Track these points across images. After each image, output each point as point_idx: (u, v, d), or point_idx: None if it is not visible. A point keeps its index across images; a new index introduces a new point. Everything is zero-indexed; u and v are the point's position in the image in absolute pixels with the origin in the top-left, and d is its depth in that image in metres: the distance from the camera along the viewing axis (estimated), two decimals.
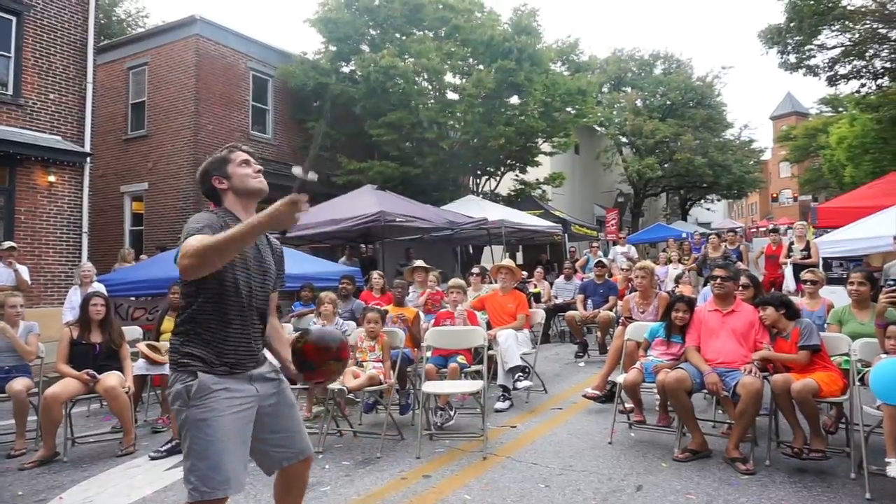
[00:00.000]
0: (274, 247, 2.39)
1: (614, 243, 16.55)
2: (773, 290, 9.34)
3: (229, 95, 15.40)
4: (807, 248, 9.20)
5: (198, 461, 1.99)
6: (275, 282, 2.33)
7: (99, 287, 7.11)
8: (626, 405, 4.91)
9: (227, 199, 2.25)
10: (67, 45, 11.02)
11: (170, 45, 15.14)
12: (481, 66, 16.51)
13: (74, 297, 7.36)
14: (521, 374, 5.68)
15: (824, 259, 9.58)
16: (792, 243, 9.55)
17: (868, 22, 16.55)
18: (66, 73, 10.96)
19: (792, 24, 16.95)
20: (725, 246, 10.38)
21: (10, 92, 10.30)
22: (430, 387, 4.81)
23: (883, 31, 16.57)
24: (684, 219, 35.08)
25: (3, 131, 9.88)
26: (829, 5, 16.03)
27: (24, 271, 8.03)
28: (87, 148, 11.09)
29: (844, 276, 9.50)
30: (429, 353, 5.18)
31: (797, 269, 8.64)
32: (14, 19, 10.35)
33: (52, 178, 10.49)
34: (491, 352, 5.62)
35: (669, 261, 11.45)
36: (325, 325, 5.85)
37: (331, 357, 2.25)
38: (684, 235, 19.77)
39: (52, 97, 10.75)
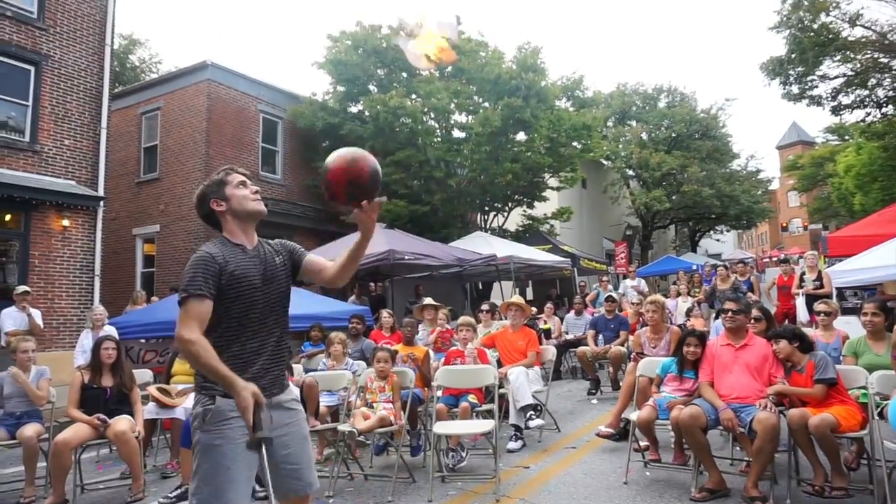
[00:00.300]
0: (275, 246, 2.39)
1: (624, 277, 16.48)
2: (786, 321, 9.23)
3: (240, 137, 15.68)
4: (819, 277, 9.11)
5: (203, 485, 2.03)
6: (284, 273, 2.31)
7: (110, 330, 7.14)
8: (641, 443, 4.82)
9: (226, 221, 2.27)
10: (83, 92, 11.32)
11: (182, 90, 15.51)
12: (487, 104, 16.75)
13: (86, 340, 7.39)
14: (533, 412, 5.62)
15: (838, 289, 9.47)
16: (803, 273, 9.47)
17: (869, 52, 16.72)
18: (81, 119, 11.24)
19: (793, 56, 17.15)
20: (736, 277, 10.31)
21: (28, 139, 10.55)
22: (441, 427, 4.75)
23: (884, 60, 16.72)
24: (694, 250, 34.94)
25: (20, 177, 10.09)
26: (830, 37, 16.23)
27: (37, 315, 8.10)
28: (101, 192, 11.30)
29: (859, 305, 9.39)
30: (439, 393, 5.14)
31: (810, 299, 8.54)
32: (32, 69, 10.68)
33: (66, 223, 10.66)
34: (502, 390, 5.56)
35: (679, 294, 11.38)
36: (336, 365, 5.84)
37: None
38: (694, 267, 19.68)
39: (67, 143, 11.00)
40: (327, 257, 8.44)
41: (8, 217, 10.38)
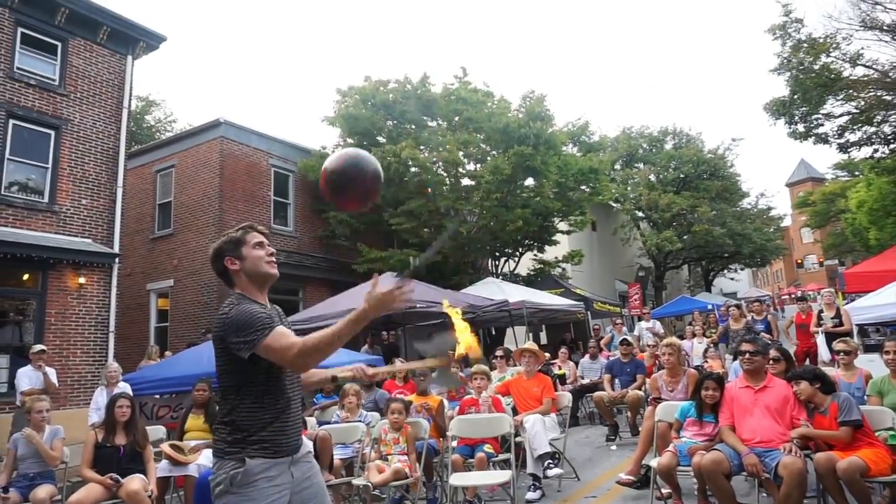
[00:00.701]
0: (280, 312, 2.37)
1: (639, 318, 16.32)
2: (807, 360, 9.05)
3: (252, 192, 15.96)
4: (837, 315, 8.95)
5: None
6: None
7: (125, 387, 7.14)
8: (663, 490, 4.69)
9: (240, 280, 2.26)
10: (100, 153, 11.65)
11: (195, 148, 15.90)
12: (495, 153, 16.99)
13: (100, 397, 7.38)
14: (550, 460, 5.49)
15: (860, 325, 9.31)
16: (821, 311, 9.32)
17: (872, 90, 16.86)
18: (98, 179, 11.53)
19: (796, 97, 17.32)
20: (752, 317, 10.15)
21: (47, 200, 10.82)
22: (457, 479, 4.66)
23: (888, 98, 16.84)
24: (708, 290, 34.61)
25: (38, 237, 10.30)
26: (832, 77, 16.41)
27: (52, 374, 8.13)
28: (116, 249, 11.48)
29: (882, 342, 9.20)
30: (454, 443, 5.05)
31: (830, 337, 8.39)
32: (52, 133, 11.04)
33: (81, 280, 10.80)
34: (518, 439, 5.47)
35: (694, 335, 11.20)
36: (350, 417, 5.77)
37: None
38: (710, 307, 19.46)
39: (84, 203, 11.26)
40: (340, 308, 8.43)
41: (26, 276, 10.56)
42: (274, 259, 2.32)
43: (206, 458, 5.52)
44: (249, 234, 2.30)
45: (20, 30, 10.85)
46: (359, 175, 2.16)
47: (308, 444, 2.30)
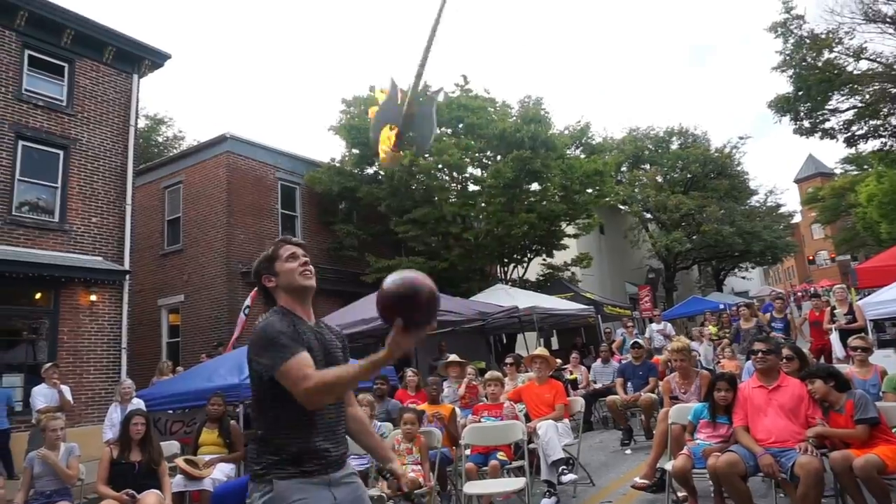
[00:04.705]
0: (334, 330, 2.33)
1: (650, 320, 16.24)
2: (821, 358, 8.95)
3: (259, 205, 16.06)
4: (850, 311, 8.86)
5: None
6: (343, 360, 2.24)
7: (139, 403, 7.19)
8: (679, 494, 4.65)
9: (280, 296, 2.21)
10: (109, 171, 11.76)
11: (203, 163, 16.03)
12: (498, 157, 17.02)
13: (115, 414, 7.42)
14: (565, 466, 5.46)
15: (874, 320, 9.21)
16: (834, 308, 9.23)
17: (877, 83, 16.78)
18: (107, 197, 11.63)
19: (800, 93, 17.26)
20: (772, 314, 10.01)
21: (57, 219, 10.93)
22: (471, 487, 4.65)
23: (893, 90, 16.75)
24: (720, 289, 34.40)
25: (49, 256, 10.40)
26: (836, 72, 16.35)
27: (67, 391, 8.19)
28: (127, 266, 11.56)
29: None
30: (468, 452, 5.04)
31: (844, 334, 8.30)
32: (61, 153, 11.16)
33: (93, 298, 10.88)
34: (532, 445, 5.44)
35: (701, 335, 11.02)
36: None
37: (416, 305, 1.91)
38: (722, 307, 19.36)
39: (94, 221, 11.36)
40: (350, 318, 8.44)
41: (38, 295, 10.65)
42: (309, 269, 2.24)
43: (220, 472, 5.54)
44: (282, 247, 2.25)
45: (27, 52, 11.00)
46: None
47: (351, 465, 2.20)
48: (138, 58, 12.54)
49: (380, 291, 1.96)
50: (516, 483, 4.71)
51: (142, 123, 23.46)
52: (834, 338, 8.95)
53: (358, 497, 2.15)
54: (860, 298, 10.12)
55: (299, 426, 2.01)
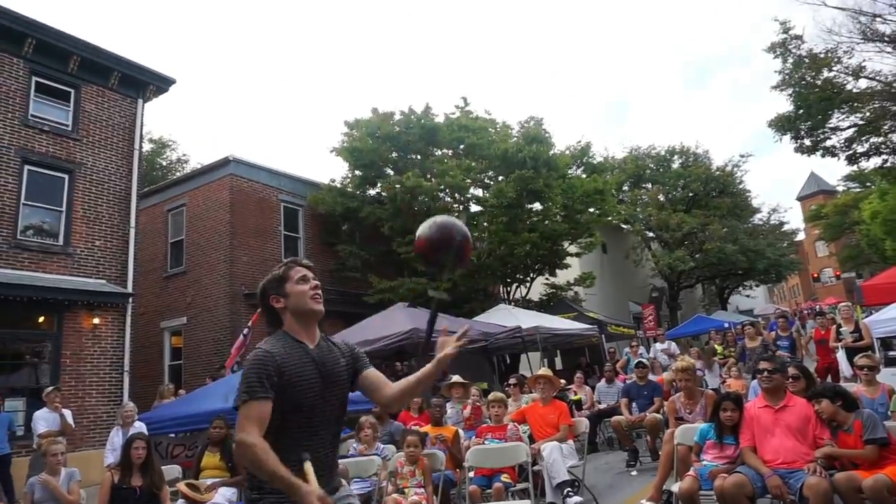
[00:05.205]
0: (341, 347, 2.32)
1: (654, 340, 16.15)
2: (828, 376, 8.87)
3: (262, 227, 16.11)
4: (857, 329, 8.80)
5: None
6: (347, 377, 2.25)
7: (141, 427, 7.14)
8: None
9: (286, 318, 2.21)
10: (113, 195, 11.85)
11: (206, 186, 16.13)
12: (500, 178, 17.09)
13: (116, 438, 7.37)
14: (570, 489, 5.39)
15: (881, 338, 9.14)
16: (840, 326, 9.16)
17: (877, 101, 16.87)
18: (111, 220, 11.70)
19: (801, 112, 17.35)
20: (777, 333, 9.95)
21: (61, 242, 10.99)
22: None
23: (894, 108, 16.83)
24: (724, 308, 34.20)
25: (53, 280, 10.43)
26: (835, 91, 16.45)
27: (68, 415, 8.17)
28: (130, 288, 11.58)
29: None
30: (471, 474, 4.99)
31: (851, 352, 8.24)
32: (66, 177, 11.25)
33: (96, 321, 10.89)
34: (536, 467, 5.38)
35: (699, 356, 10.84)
36: (366, 450, 5.72)
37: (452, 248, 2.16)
38: (726, 325, 19.21)
39: (98, 244, 11.41)
40: (353, 339, 8.37)
41: (42, 318, 10.67)
42: (319, 293, 2.26)
43: (222, 496, 5.48)
44: (293, 269, 2.25)
45: (34, 78, 11.16)
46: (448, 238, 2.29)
47: (347, 488, 2.20)
48: (143, 83, 12.70)
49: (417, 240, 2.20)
50: None
51: (146, 147, 23.68)
52: (840, 356, 8.89)
53: None
54: (866, 316, 10.06)
55: (284, 450, 2.00)
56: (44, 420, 7.98)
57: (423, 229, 2.28)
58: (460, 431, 6.12)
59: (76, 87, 11.71)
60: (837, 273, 47.29)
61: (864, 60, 17.27)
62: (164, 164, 28.40)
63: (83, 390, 10.59)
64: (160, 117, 73.42)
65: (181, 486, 5.45)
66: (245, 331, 10.85)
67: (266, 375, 2.00)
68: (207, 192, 16.05)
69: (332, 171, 73.47)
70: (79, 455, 8.79)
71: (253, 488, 2.03)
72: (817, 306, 28.43)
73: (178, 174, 25.69)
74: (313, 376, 2.11)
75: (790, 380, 4.67)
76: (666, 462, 5.22)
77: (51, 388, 8.38)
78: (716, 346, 11.79)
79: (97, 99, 11.97)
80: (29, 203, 10.77)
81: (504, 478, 5.13)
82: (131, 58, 12.50)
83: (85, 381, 10.66)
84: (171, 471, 5.84)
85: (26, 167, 10.75)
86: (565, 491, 5.36)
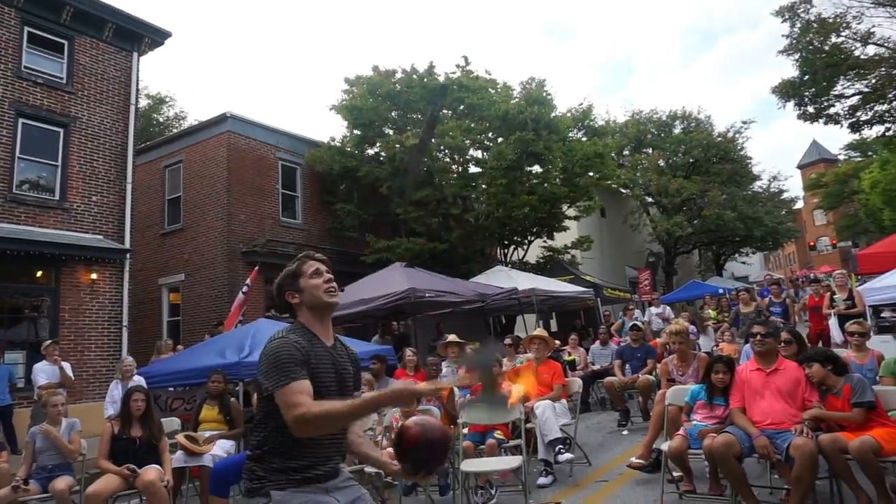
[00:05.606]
0: (350, 354, 2.31)
1: (649, 304, 16.26)
2: (820, 342, 8.99)
3: (260, 186, 16.01)
4: (850, 296, 8.88)
5: None
6: (353, 385, 2.24)
7: (139, 380, 7.23)
8: (675, 474, 4.69)
9: (302, 313, 2.20)
10: (109, 150, 11.72)
11: (203, 143, 15.96)
12: (500, 139, 16.93)
13: (115, 391, 7.48)
14: (562, 446, 5.51)
15: (873, 306, 9.23)
16: (833, 293, 9.25)
17: (884, 69, 16.63)
18: (107, 176, 11.61)
19: (806, 78, 17.12)
20: (771, 299, 10.05)
21: (57, 197, 10.92)
22: (468, 465, 4.69)
23: None
24: (720, 274, 34.36)
25: (50, 234, 10.41)
26: (842, 57, 16.20)
27: (68, 368, 8.26)
28: (127, 244, 11.58)
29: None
30: (465, 430, 5.08)
31: (843, 319, 8.33)
32: (61, 131, 11.11)
33: (94, 276, 10.91)
34: (529, 425, 5.48)
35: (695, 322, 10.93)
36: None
37: (437, 445, 2.01)
38: (721, 291, 19.35)
39: (94, 199, 11.34)
40: (349, 298, 8.40)
41: (39, 273, 10.68)
42: (333, 286, 2.23)
43: (220, 448, 5.59)
44: (306, 263, 2.24)
45: (27, 29, 10.91)
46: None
47: (347, 472, 2.21)
48: (138, 35, 12.44)
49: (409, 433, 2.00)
50: (513, 461, 4.75)
51: (143, 103, 23.35)
52: (833, 323, 8.99)
53: (358, 498, 2.14)
54: (860, 284, 10.13)
55: (299, 446, 2.00)
56: (44, 372, 8.08)
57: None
58: (455, 389, 6.21)
59: (70, 38, 11.46)
60: (834, 242, 47.40)
61: (873, 26, 16.98)
62: (162, 120, 28.01)
63: (82, 344, 10.69)
64: (157, 73, 72.23)
65: (180, 437, 5.55)
66: (244, 289, 10.90)
67: (298, 362, 1.98)
68: (205, 149, 15.89)
69: (331, 129, 72.65)
70: (79, 407, 8.91)
71: (252, 479, 2.02)
72: (812, 274, 28.61)
73: (175, 131, 25.40)
74: (331, 373, 2.12)
75: (782, 344, 4.73)
76: (656, 422, 5.32)
77: (49, 342, 8.46)
78: (710, 310, 11.89)
79: (91, 51, 11.74)
80: (24, 157, 10.66)
81: (497, 434, 5.23)
82: (126, 9, 12.22)
83: (84, 336, 10.74)
84: (171, 423, 5.94)
85: (21, 120, 10.60)
86: (557, 448, 5.48)
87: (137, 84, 12.53)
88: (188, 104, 71.17)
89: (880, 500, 3.66)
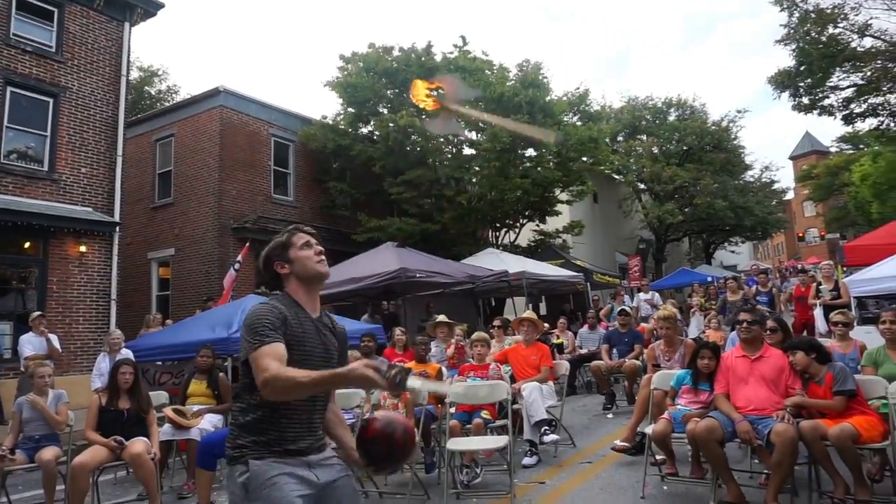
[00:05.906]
0: (336, 329, 2.29)
1: (638, 290, 16.37)
2: (805, 332, 9.10)
3: (252, 161, 15.89)
4: (836, 288, 8.99)
5: None
6: (338, 360, 2.21)
7: (127, 353, 7.21)
8: (658, 457, 4.77)
9: (290, 284, 2.19)
10: (99, 122, 11.56)
11: (195, 117, 15.78)
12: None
13: (103, 363, 7.46)
14: (547, 427, 5.57)
15: (858, 298, 9.34)
16: (820, 284, 9.35)
17: (879, 61, 16.65)
18: (97, 148, 11.47)
19: (802, 68, 17.12)
20: (758, 288, 10.17)
21: (46, 168, 10.79)
22: (454, 444, 4.74)
23: (895, 69, 16.63)
24: (709, 262, 34.62)
25: (39, 205, 10.29)
26: (839, 48, 16.19)
27: (55, 340, 8.24)
28: (117, 217, 11.48)
29: (879, 313, 9.21)
30: (452, 410, 5.12)
31: (828, 310, 8.43)
32: (51, 101, 10.94)
33: (83, 248, 10.82)
34: (516, 406, 5.54)
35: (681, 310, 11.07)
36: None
37: (396, 445, 2.01)
38: (710, 279, 19.50)
39: (84, 171, 11.22)
40: (340, 276, 8.42)
41: (27, 244, 10.59)
42: (323, 258, 2.23)
43: (208, 422, 5.61)
44: (295, 235, 2.24)
45: None
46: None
47: (331, 450, 2.20)
48: (130, 5, 12.22)
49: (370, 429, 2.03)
50: (499, 441, 4.81)
51: (134, 75, 22.94)
52: (818, 313, 9.10)
53: (341, 479, 2.11)
54: (846, 276, 10.23)
55: (277, 415, 1.99)
56: (30, 344, 8.04)
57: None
58: (443, 369, 6.25)
59: (59, 6, 11.23)
60: (822, 233, 47.76)
61: (870, 18, 16.91)
62: (154, 93, 27.62)
63: (70, 317, 10.63)
64: (150, 45, 71.12)
65: (168, 410, 5.56)
66: (236, 265, 10.87)
67: (273, 326, 1.98)
68: (196, 124, 15.73)
69: (324, 107, 72.02)
70: (66, 379, 8.89)
71: (234, 447, 2.01)
72: (799, 265, 28.87)
73: (167, 104, 25.08)
74: (314, 342, 2.11)
75: (768, 332, 4.78)
76: (641, 406, 5.39)
77: (36, 314, 8.42)
78: (698, 298, 11.99)
79: (82, 20, 11.52)
80: (12, 126, 10.50)
81: (484, 414, 5.28)
82: None
83: (72, 308, 10.69)
84: (159, 397, 5.95)
85: (9, 89, 10.42)
86: (543, 429, 5.54)
87: (129, 55, 12.33)
88: (181, 78, 70.24)
89: (857, 485, 3.74)
